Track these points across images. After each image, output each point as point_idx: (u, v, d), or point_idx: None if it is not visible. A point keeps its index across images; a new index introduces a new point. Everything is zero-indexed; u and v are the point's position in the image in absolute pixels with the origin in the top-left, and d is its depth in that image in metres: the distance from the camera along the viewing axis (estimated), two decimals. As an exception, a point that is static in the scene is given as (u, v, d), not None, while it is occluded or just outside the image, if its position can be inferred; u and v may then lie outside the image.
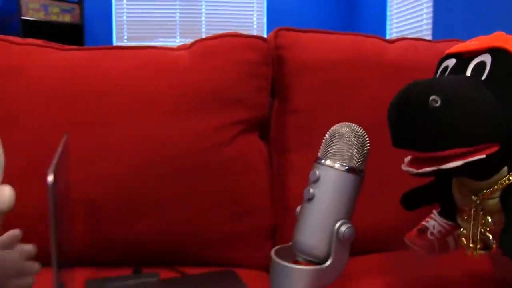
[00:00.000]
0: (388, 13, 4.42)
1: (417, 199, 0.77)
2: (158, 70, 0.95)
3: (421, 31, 3.87)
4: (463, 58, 0.67)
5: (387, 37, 4.20)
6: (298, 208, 0.71)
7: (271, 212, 1.00)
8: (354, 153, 0.66)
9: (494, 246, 0.66)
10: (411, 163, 0.64)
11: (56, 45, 1.01)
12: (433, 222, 0.82)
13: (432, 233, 0.81)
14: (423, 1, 3.84)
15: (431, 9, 3.70)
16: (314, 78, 1.00)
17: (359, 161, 0.67)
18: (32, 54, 0.96)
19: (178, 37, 4.76)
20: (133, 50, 0.99)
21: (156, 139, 0.92)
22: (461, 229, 0.71)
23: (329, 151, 0.68)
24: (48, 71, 0.94)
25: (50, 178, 0.37)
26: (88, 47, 1.01)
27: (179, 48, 1.01)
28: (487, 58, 0.63)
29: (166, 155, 0.92)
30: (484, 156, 0.59)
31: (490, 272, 0.80)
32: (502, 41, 0.63)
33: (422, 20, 3.87)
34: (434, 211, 0.83)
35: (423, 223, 0.84)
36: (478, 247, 0.68)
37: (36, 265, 0.61)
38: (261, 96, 1.00)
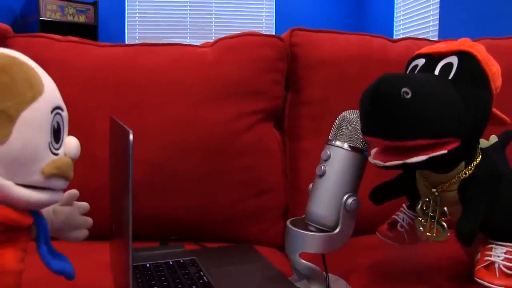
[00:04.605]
0: (395, 15, 4.46)
1: (384, 194, 0.81)
2: (186, 64, 1.06)
3: (427, 32, 3.91)
4: (432, 58, 0.71)
5: (394, 37, 4.22)
6: (311, 185, 0.80)
7: (283, 193, 1.10)
8: (360, 136, 0.75)
9: (448, 234, 0.72)
10: (378, 156, 0.67)
11: (92, 42, 1.12)
12: (402, 215, 0.85)
13: (401, 226, 0.84)
14: (430, 3, 3.88)
15: (437, 11, 3.74)
16: (325, 73, 1.10)
17: (364, 143, 0.76)
18: (73, 49, 1.07)
19: (188, 38, 4.82)
20: (163, 46, 1.09)
21: (184, 124, 1.02)
22: (419, 218, 0.76)
23: (339, 134, 0.77)
24: (88, 64, 1.05)
25: (131, 136, 0.46)
26: (121, 44, 1.12)
27: (203, 46, 1.12)
28: (454, 60, 0.67)
29: (193, 139, 1.01)
30: (446, 151, 0.62)
31: (462, 254, 0.88)
32: (468, 46, 0.68)
33: (428, 21, 3.91)
34: (403, 205, 0.86)
35: (393, 216, 0.86)
36: (434, 235, 0.73)
37: (90, 220, 0.71)
38: (277, 88, 1.11)
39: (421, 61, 0.72)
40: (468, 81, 0.66)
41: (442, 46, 0.70)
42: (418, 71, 0.72)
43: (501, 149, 0.80)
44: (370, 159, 0.69)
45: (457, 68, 0.67)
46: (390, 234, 0.85)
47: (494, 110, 0.69)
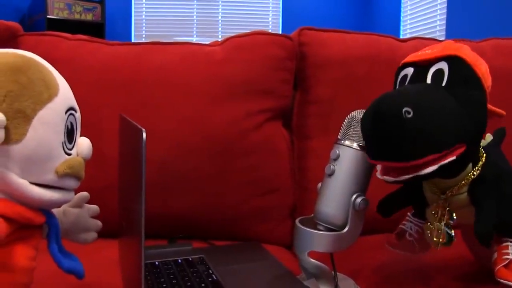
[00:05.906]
0: (402, 14, 4.43)
1: (392, 206, 0.81)
2: (195, 63, 1.06)
3: (434, 32, 3.89)
4: (420, 66, 0.70)
5: (401, 37, 4.21)
6: (319, 184, 0.80)
7: (291, 192, 1.10)
8: (369, 135, 0.76)
9: (454, 240, 0.73)
10: (387, 171, 0.66)
11: (101, 40, 1.12)
12: (410, 224, 0.83)
13: (410, 234, 0.83)
14: (437, 2, 3.85)
15: (444, 10, 3.70)
16: (333, 72, 1.10)
17: (373, 142, 0.76)
18: (82, 48, 1.07)
19: (195, 36, 4.80)
20: (173, 45, 1.10)
21: (192, 123, 1.02)
22: (428, 224, 0.76)
23: (348, 133, 0.77)
24: (97, 63, 1.05)
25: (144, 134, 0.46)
26: (131, 42, 1.12)
27: (212, 44, 1.12)
28: (444, 66, 0.67)
29: (201, 138, 1.02)
30: (455, 157, 0.62)
31: (468, 254, 0.87)
32: (454, 49, 0.67)
33: (435, 21, 3.87)
34: (409, 214, 0.86)
35: (400, 226, 0.85)
36: (441, 240, 0.73)
37: (99, 222, 0.71)
38: (285, 87, 1.11)
39: (409, 71, 0.71)
40: (461, 85, 0.66)
41: (429, 53, 0.69)
42: (408, 81, 0.71)
43: (497, 146, 0.81)
44: (378, 175, 0.68)
45: (448, 73, 0.66)
46: (400, 244, 0.84)
47: (490, 106, 0.69)
